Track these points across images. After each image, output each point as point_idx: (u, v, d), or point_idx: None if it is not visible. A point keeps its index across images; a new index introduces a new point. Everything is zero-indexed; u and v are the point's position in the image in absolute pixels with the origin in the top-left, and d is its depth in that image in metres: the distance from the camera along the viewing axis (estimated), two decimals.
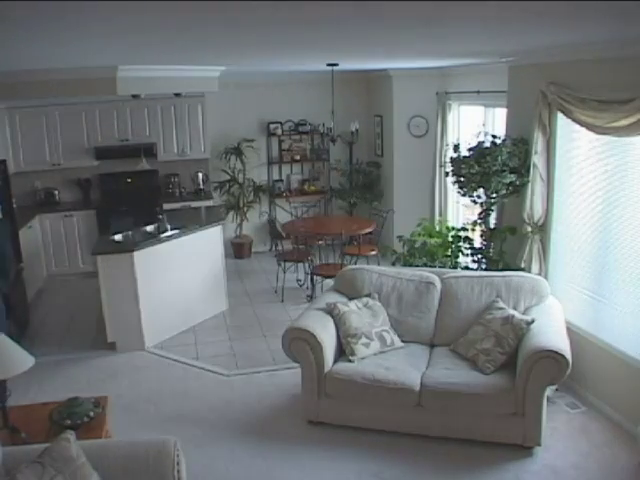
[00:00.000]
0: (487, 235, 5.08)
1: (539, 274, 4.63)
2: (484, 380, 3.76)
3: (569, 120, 4.21)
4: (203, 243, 5.98)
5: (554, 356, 3.53)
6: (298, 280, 6.81)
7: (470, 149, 4.87)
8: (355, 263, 6.01)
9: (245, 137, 8.05)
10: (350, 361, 4.05)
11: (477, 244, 5.23)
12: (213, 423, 4.19)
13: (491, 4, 2.03)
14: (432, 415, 3.83)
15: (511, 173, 4.68)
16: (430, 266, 4.93)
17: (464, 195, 5.12)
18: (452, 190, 6.36)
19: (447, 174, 5.35)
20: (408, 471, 3.61)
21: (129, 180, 7.75)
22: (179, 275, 5.73)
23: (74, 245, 7.47)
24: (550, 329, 3.86)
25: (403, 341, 4.30)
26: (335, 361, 4.09)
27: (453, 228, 5.52)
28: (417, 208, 7.10)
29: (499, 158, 4.63)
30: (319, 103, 7.74)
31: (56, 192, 7.66)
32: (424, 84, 7.30)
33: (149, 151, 7.56)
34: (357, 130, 7.53)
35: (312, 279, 6.47)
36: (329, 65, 6.10)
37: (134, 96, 7.15)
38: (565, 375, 3.57)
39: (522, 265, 4.74)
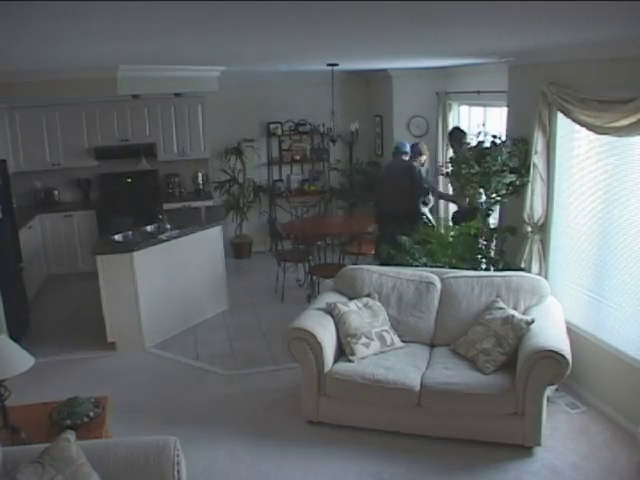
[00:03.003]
0: (487, 235, 5.07)
1: (539, 274, 4.63)
2: (484, 380, 3.76)
3: (569, 120, 4.21)
4: (203, 243, 5.98)
5: (554, 356, 3.53)
6: (298, 280, 6.81)
7: (470, 149, 4.88)
8: (356, 263, 6.01)
9: (245, 137, 8.06)
10: (350, 361, 4.05)
11: None
12: (213, 423, 4.19)
13: (491, 4, 2.03)
14: (432, 415, 3.83)
15: (511, 173, 4.68)
16: (430, 266, 4.93)
17: None
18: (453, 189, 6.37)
19: (447, 174, 5.36)
20: (408, 471, 3.61)
21: (129, 180, 7.75)
22: (179, 275, 5.73)
23: (74, 245, 7.47)
24: (550, 329, 3.86)
25: (403, 341, 4.30)
26: (335, 361, 4.09)
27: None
28: None
29: (499, 158, 4.63)
30: (319, 103, 7.74)
31: (56, 192, 7.66)
32: (424, 84, 7.30)
33: (149, 151, 7.56)
34: (357, 130, 7.52)
35: (312, 279, 6.47)
36: (329, 65, 6.10)
37: (134, 96, 7.15)
38: (565, 375, 3.57)
39: (522, 265, 4.74)
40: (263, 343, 5.51)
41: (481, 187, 4.84)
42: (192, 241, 5.85)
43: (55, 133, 7.38)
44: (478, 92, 6.14)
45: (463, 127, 6.67)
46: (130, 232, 5.75)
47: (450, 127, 7.01)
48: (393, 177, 6.46)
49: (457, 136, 6.23)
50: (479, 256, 5.00)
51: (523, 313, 4.14)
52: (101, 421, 3.30)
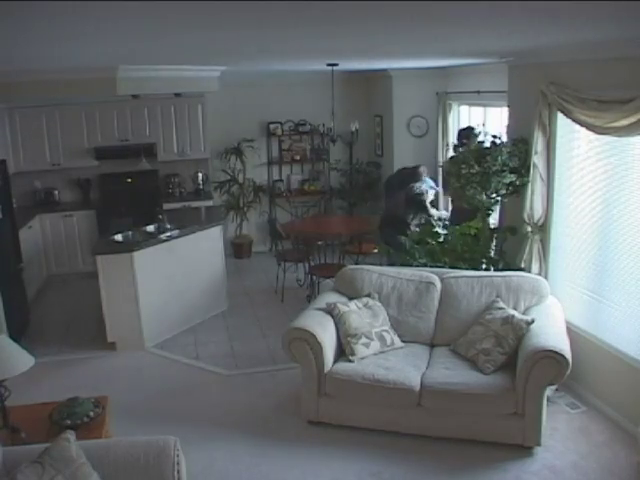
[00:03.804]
0: (487, 235, 5.07)
1: (539, 274, 4.63)
2: (484, 380, 3.76)
3: (569, 120, 4.21)
4: (203, 243, 5.98)
5: (554, 356, 3.53)
6: (298, 280, 6.81)
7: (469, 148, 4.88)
8: (357, 263, 6.01)
9: (245, 137, 8.05)
10: (350, 361, 4.05)
11: None
12: (213, 423, 4.19)
13: (491, 4, 2.03)
14: (432, 415, 3.83)
15: (511, 173, 4.68)
16: (430, 266, 4.93)
17: None
18: None
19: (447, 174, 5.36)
20: (408, 471, 3.61)
21: (129, 180, 7.74)
22: (179, 275, 5.73)
23: (74, 245, 7.46)
24: (550, 329, 3.86)
25: (403, 341, 4.30)
26: (335, 361, 4.09)
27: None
28: None
29: (499, 158, 4.63)
30: (319, 103, 7.73)
31: (56, 192, 7.66)
32: (424, 84, 7.30)
33: (149, 151, 7.56)
34: (357, 130, 7.52)
35: (312, 279, 6.47)
36: (329, 65, 6.10)
37: (134, 96, 7.16)
38: (565, 375, 3.57)
39: (522, 265, 4.73)
40: (263, 343, 5.51)
41: (481, 187, 4.84)
42: (192, 241, 5.85)
43: (55, 133, 7.37)
44: (478, 92, 6.14)
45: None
46: (130, 232, 5.76)
47: (451, 127, 7.04)
48: (393, 190, 6.71)
49: (469, 134, 6.25)
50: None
51: (523, 313, 4.14)
52: (101, 421, 3.30)
